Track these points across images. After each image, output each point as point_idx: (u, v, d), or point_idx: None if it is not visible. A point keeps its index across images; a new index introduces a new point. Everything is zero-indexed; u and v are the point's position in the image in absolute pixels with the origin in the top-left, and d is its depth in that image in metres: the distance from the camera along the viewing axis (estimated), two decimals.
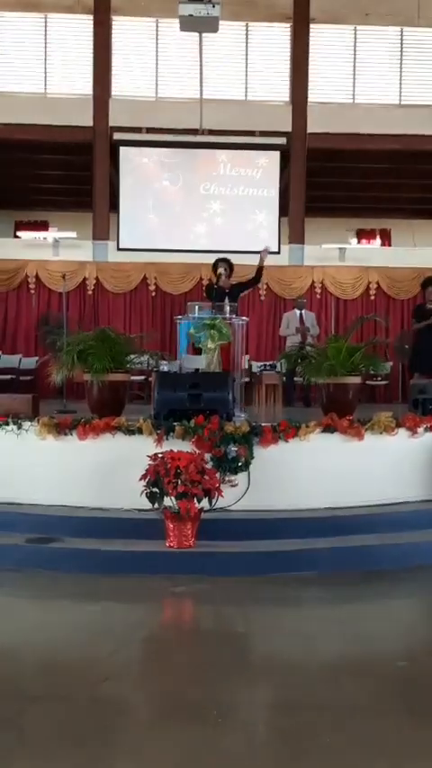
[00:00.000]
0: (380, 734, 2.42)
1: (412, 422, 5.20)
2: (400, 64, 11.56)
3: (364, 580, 4.17)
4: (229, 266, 7.26)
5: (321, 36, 11.42)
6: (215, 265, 7.30)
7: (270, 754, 2.31)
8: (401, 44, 11.55)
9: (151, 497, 4.23)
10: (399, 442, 5.12)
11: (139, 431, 4.81)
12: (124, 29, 11.37)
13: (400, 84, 11.57)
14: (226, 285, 7.04)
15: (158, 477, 4.18)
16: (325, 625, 3.58)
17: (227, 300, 6.30)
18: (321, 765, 2.23)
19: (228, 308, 6.01)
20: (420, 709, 2.62)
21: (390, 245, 14.96)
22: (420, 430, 5.20)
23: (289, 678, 2.91)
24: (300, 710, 2.59)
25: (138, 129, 11.15)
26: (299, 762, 2.25)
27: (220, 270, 7.11)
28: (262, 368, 10.03)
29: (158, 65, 11.38)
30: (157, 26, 11.31)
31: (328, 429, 4.94)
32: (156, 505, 4.24)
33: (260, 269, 7.32)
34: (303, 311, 9.50)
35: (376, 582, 4.17)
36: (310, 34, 11.28)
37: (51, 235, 11.30)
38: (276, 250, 7.05)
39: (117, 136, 11.06)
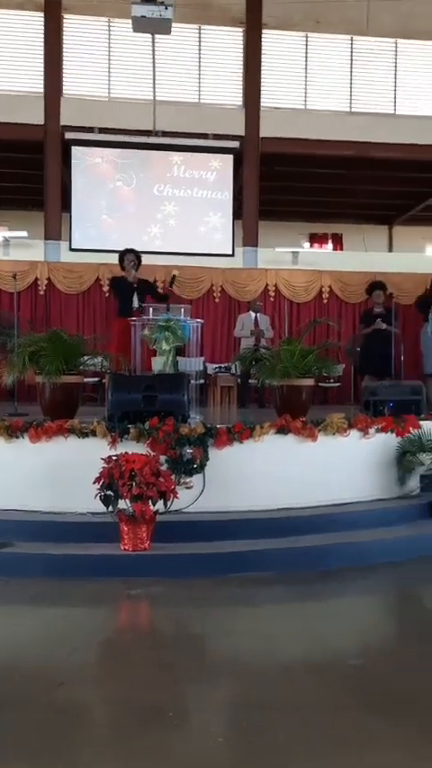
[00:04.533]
0: (336, 729, 2.46)
1: (364, 423, 5.31)
2: (351, 72, 11.79)
3: (318, 579, 4.23)
4: (137, 258, 7.20)
5: (274, 41, 11.54)
6: (121, 257, 7.22)
7: (228, 754, 2.32)
8: (351, 52, 11.78)
9: (105, 500, 4.19)
10: (351, 442, 5.21)
11: (93, 433, 4.76)
12: (76, 27, 11.24)
13: (351, 91, 11.79)
14: (134, 279, 7.00)
15: (113, 480, 4.14)
16: (280, 624, 3.62)
17: (135, 297, 6.26)
18: (279, 763, 2.25)
19: (135, 305, 5.97)
20: (375, 704, 2.67)
21: (341, 249, 15.24)
22: (372, 431, 5.32)
23: (246, 678, 2.93)
24: (257, 709, 2.61)
25: (90, 129, 11.03)
26: (257, 760, 2.27)
27: (127, 262, 7.04)
28: (217, 370, 10.08)
29: (111, 65, 11.30)
30: (109, 26, 11.23)
31: (282, 430, 4.99)
32: (110, 508, 4.21)
33: (168, 294, 7.22)
34: (258, 314, 9.58)
35: (330, 581, 4.23)
36: (263, 39, 11.39)
37: (1, 234, 11.07)
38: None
39: (69, 135, 10.92)
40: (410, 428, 5.46)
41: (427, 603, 4.37)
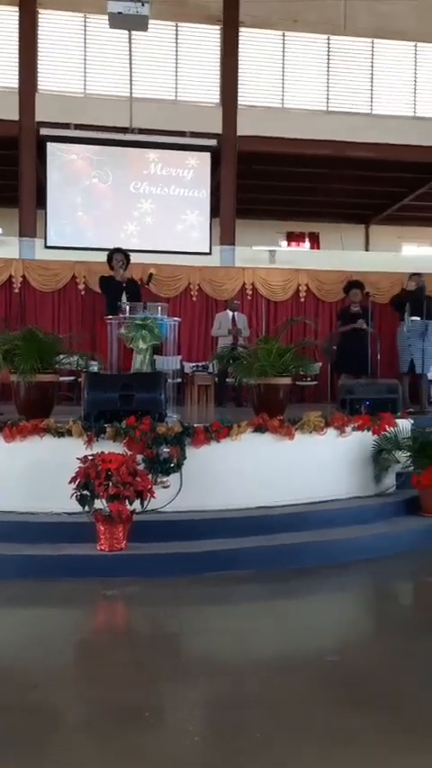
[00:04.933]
0: (313, 725, 2.48)
1: (341, 421, 5.33)
2: (327, 71, 11.84)
3: (294, 577, 4.24)
4: (126, 258, 7.16)
5: (251, 40, 11.54)
6: (110, 257, 7.17)
7: (204, 753, 2.31)
8: (328, 52, 11.83)
9: (82, 500, 4.16)
10: (328, 441, 5.24)
11: (69, 433, 4.72)
12: (51, 23, 11.12)
13: (328, 91, 11.84)
14: (123, 279, 6.96)
15: (89, 480, 4.11)
16: (257, 622, 3.62)
17: (124, 296, 6.23)
18: (256, 760, 2.25)
19: (125, 306, 5.95)
20: (351, 699, 2.69)
21: (318, 248, 15.31)
22: (348, 429, 5.35)
23: (222, 676, 2.93)
24: (233, 707, 2.61)
25: (66, 125, 10.93)
26: (233, 758, 2.26)
27: (115, 262, 7.00)
28: (194, 368, 10.06)
29: (87, 61, 11.20)
30: (85, 21, 11.13)
31: (260, 429, 5.00)
32: (86, 508, 4.17)
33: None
34: (235, 313, 9.58)
35: (306, 578, 4.25)
36: (240, 38, 11.38)
37: None
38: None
39: (44, 131, 10.80)
40: (386, 426, 5.51)
41: (402, 599, 4.42)
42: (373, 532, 4.88)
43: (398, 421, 5.65)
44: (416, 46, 11.99)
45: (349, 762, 2.26)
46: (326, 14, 11.52)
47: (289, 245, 15.40)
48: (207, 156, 11.20)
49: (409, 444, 5.39)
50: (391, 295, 10.19)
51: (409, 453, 5.41)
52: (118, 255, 7.17)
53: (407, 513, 5.34)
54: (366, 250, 15.57)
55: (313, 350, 9.91)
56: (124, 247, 8.11)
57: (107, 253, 7.43)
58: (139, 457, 4.53)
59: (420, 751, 2.32)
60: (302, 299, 11.48)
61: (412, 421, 5.94)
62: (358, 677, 2.89)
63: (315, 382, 10.64)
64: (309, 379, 10.31)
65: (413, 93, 12.05)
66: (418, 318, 7.74)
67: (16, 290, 10.64)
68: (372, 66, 11.93)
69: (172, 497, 4.62)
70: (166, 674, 2.94)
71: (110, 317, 6.33)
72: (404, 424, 5.69)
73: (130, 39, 10.75)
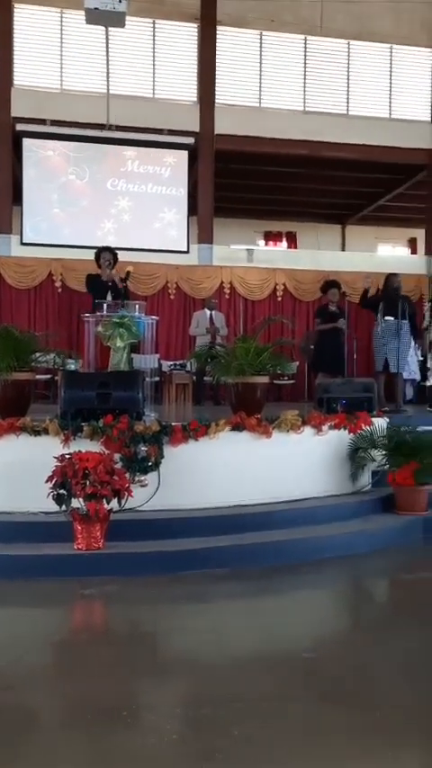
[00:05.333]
0: (290, 721, 2.49)
1: (318, 420, 5.37)
2: (304, 71, 11.90)
3: (271, 575, 4.27)
4: (113, 257, 7.14)
5: (228, 39, 11.55)
6: (97, 255, 7.15)
7: (182, 750, 2.32)
8: (305, 52, 11.89)
9: (58, 499, 4.13)
10: (305, 439, 5.27)
11: (46, 431, 4.68)
12: (27, 17, 11.00)
13: (305, 91, 11.90)
14: (109, 278, 6.93)
15: (66, 479, 4.09)
16: (234, 620, 3.64)
17: (109, 295, 6.21)
18: (233, 757, 2.26)
19: (105, 305, 5.93)
20: (328, 696, 2.71)
21: (296, 247, 15.41)
22: (325, 428, 5.39)
23: (199, 673, 2.94)
24: (211, 704, 2.62)
25: (42, 121, 10.84)
26: (211, 755, 2.27)
27: (102, 261, 6.98)
28: (172, 367, 10.05)
29: (63, 56, 11.11)
30: (61, 17, 11.03)
31: (237, 427, 5.01)
32: (63, 508, 4.15)
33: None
34: (213, 311, 9.59)
35: (283, 576, 4.27)
36: (218, 36, 11.38)
37: None
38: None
39: (20, 127, 10.70)
40: (362, 425, 5.56)
41: (377, 595, 4.47)
42: (349, 530, 4.93)
43: (374, 420, 5.71)
44: (391, 48, 12.11)
45: (325, 758, 2.28)
46: (302, 15, 11.58)
47: (266, 244, 15.47)
48: (185, 154, 11.19)
49: (385, 443, 5.45)
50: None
51: (384, 452, 5.47)
52: (105, 254, 7.12)
53: (382, 510, 5.40)
54: (343, 250, 15.70)
55: (290, 349, 9.99)
56: (101, 245, 8.07)
57: (95, 251, 7.38)
58: (117, 456, 4.51)
59: (393, 747, 2.36)
60: (280, 299, 11.53)
61: (388, 419, 6.01)
62: (334, 674, 2.92)
63: (292, 381, 10.71)
64: (286, 378, 10.37)
65: (388, 94, 12.17)
66: (392, 318, 7.83)
67: None
68: (348, 68, 12.01)
69: (150, 496, 4.61)
70: (143, 672, 2.94)
71: (87, 314, 6.30)
72: (380, 423, 5.75)
73: (107, 35, 10.68)
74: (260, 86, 11.73)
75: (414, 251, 15.82)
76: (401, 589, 4.39)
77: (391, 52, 12.13)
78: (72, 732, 2.44)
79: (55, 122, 10.84)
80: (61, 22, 11.04)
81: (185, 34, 11.44)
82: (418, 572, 4.58)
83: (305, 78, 11.87)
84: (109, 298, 6.41)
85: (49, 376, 8.78)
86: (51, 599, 3.81)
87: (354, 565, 4.59)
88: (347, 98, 12.02)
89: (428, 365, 8.86)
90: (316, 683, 2.84)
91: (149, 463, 4.62)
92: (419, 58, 12.25)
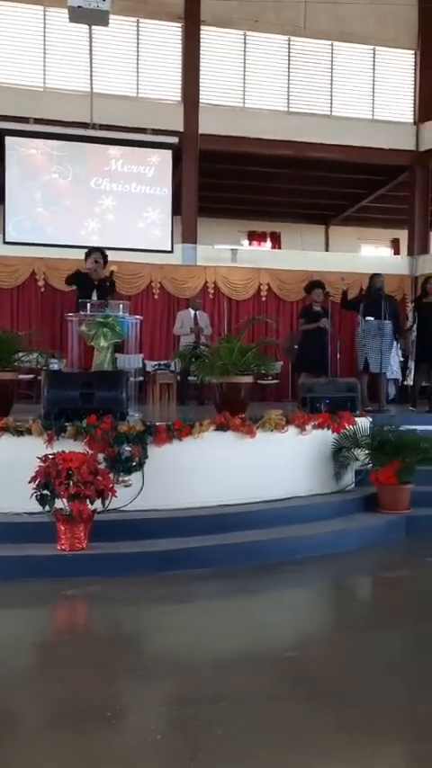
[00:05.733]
0: (273, 720, 2.51)
1: (301, 419, 5.40)
2: (288, 72, 11.93)
3: (255, 574, 4.28)
4: (103, 257, 7.11)
5: (212, 39, 11.55)
6: (87, 255, 7.12)
7: (165, 750, 2.32)
8: (289, 53, 11.92)
9: (42, 500, 4.11)
10: (289, 439, 5.29)
11: (29, 431, 4.66)
12: (10, 15, 10.91)
13: (288, 91, 11.94)
14: (95, 277, 6.90)
15: (49, 479, 4.07)
16: (217, 619, 3.65)
17: (95, 294, 6.18)
18: (217, 756, 2.27)
19: (88, 304, 5.91)
20: (310, 694, 2.73)
21: (280, 247, 15.44)
22: (309, 427, 5.41)
23: (183, 673, 2.94)
24: (194, 704, 2.62)
25: (25, 119, 10.76)
26: (195, 754, 2.28)
27: (90, 261, 6.95)
28: (156, 367, 10.04)
29: (47, 55, 11.04)
30: (44, 14, 10.96)
31: (222, 427, 5.02)
32: (47, 508, 4.13)
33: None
34: (197, 311, 9.59)
35: (267, 575, 4.29)
36: (202, 36, 11.38)
37: None
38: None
39: (2, 125, 10.60)
40: (346, 424, 5.60)
41: (359, 594, 4.50)
42: (332, 529, 4.96)
43: (357, 419, 5.75)
44: (374, 50, 12.19)
45: (309, 755, 2.29)
46: (286, 16, 11.62)
47: (250, 244, 15.50)
48: (168, 153, 11.17)
49: (368, 442, 5.49)
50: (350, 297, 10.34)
51: (367, 451, 5.50)
52: (95, 255, 7.08)
53: (365, 509, 5.44)
54: (326, 250, 15.75)
55: (274, 349, 10.01)
56: (85, 244, 8.02)
57: (86, 251, 7.33)
58: (101, 456, 4.50)
59: (376, 742, 2.38)
60: (264, 298, 11.56)
61: (371, 419, 6.05)
62: (316, 672, 2.94)
63: (276, 381, 10.74)
64: (270, 377, 10.39)
65: (371, 96, 12.24)
66: (373, 318, 7.88)
67: None
68: (331, 69, 12.07)
69: (134, 496, 4.61)
70: (127, 672, 2.94)
71: (71, 314, 6.27)
72: (363, 423, 5.79)
73: (90, 33, 10.63)
74: (244, 86, 11.75)
75: (397, 251, 15.94)
76: (384, 587, 4.43)
77: (374, 54, 12.21)
78: (55, 733, 2.43)
79: (38, 121, 10.77)
80: (44, 19, 10.97)
81: (169, 33, 11.42)
82: (400, 570, 4.63)
83: (289, 79, 11.91)
84: (94, 296, 6.38)
85: (32, 376, 8.73)
86: (34, 600, 3.79)
87: (337, 563, 4.62)
88: (331, 99, 12.07)
89: (409, 365, 8.93)
90: (299, 681, 2.86)
91: (133, 463, 4.62)
92: (402, 59, 12.33)
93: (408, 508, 5.36)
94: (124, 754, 2.27)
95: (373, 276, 8.34)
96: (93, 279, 6.87)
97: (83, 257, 7.33)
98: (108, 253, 7.45)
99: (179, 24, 11.37)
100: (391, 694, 2.73)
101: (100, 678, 2.88)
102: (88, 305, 6.00)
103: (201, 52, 11.38)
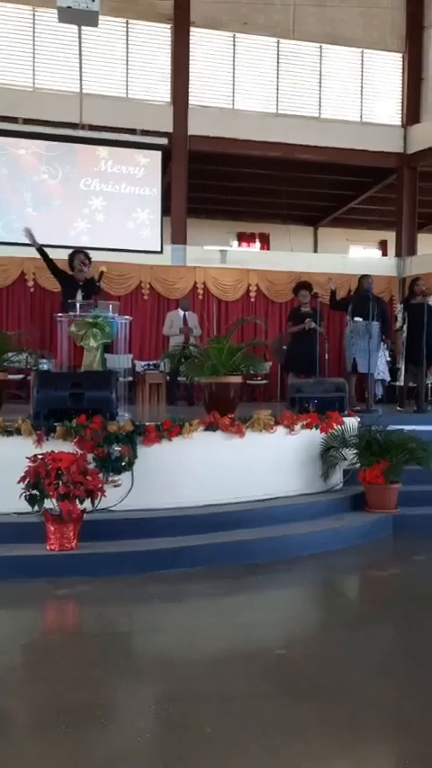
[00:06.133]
0: (262, 718, 2.52)
1: (290, 420, 5.42)
2: (277, 74, 11.98)
3: (244, 574, 4.30)
4: (87, 258, 7.11)
5: (202, 40, 11.58)
6: (71, 259, 7.12)
7: (156, 749, 2.34)
8: (278, 55, 11.98)
9: (31, 500, 4.11)
10: (277, 439, 5.32)
11: (18, 432, 4.65)
12: None
13: (277, 93, 11.99)
14: (80, 278, 6.91)
15: (39, 479, 4.07)
16: (207, 618, 3.66)
17: (79, 294, 6.19)
18: (207, 754, 2.28)
19: (78, 304, 5.92)
20: (300, 691, 2.75)
21: (269, 248, 15.49)
22: (297, 427, 5.44)
23: (173, 672, 2.95)
24: (185, 703, 2.63)
25: (14, 119, 10.74)
26: (185, 753, 2.29)
27: (77, 262, 6.95)
28: (145, 367, 10.04)
29: (36, 55, 11.02)
30: (34, 14, 10.95)
31: (211, 427, 5.04)
32: (36, 508, 4.13)
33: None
34: (187, 312, 9.60)
35: (256, 575, 4.31)
36: (191, 37, 11.40)
37: None
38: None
39: None
40: (334, 424, 5.63)
41: (348, 592, 4.54)
42: (321, 528, 4.99)
43: (345, 419, 5.79)
44: (362, 53, 12.27)
45: (298, 752, 2.31)
46: (275, 18, 11.67)
47: (240, 245, 15.54)
48: (158, 154, 11.18)
49: (356, 442, 5.53)
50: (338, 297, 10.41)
51: (355, 451, 5.54)
52: (80, 256, 7.06)
53: (353, 508, 5.48)
54: (315, 251, 15.83)
55: (263, 349, 10.04)
56: (74, 245, 8.00)
57: (69, 253, 7.30)
58: (90, 456, 4.50)
59: (365, 740, 2.40)
60: (253, 299, 11.60)
61: (359, 419, 6.09)
62: (307, 671, 2.96)
63: (265, 381, 10.78)
64: (259, 378, 10.43)
65: (360, 98, 12.32)
66: (361, 319, 7.93)
67: None
68: (320, 71, 12.14)
69: (123, 496, 4.61)
70: (117, 672, 2.95)
71: (60, 314, 6.26)
72: (351, 422, 5.83)
73: (80, 34, 10.63)
74: (233, 88, 11.79)
75: (385, 253, 16.03)
76: (372, 586, 4.46)
77: (362, 56, 12.29)
78: (46, 733, 2.43)
79: (27, 121, 10.76)
80: (34, 20, 10.96)
81: (159, 35, 11.44)
82: (388, 569, 4.66)
83: (278, 81, 11.96)
84: (79, 296, 6.38)
85: (21, 376, 8.70)
86: (24, 600, 3.79)
87: (326, 562, 4.64)
88: (319, 101, 12.14)
89: (398, 365, 8.99)
90: (289, 680, 2.88)
91: (123, 463, 4.62)
92: (389, 62, 12.43)
93: (395, 507, 5.41)
94: (115, 754, 2.28)
95: (362, 277, 8.39)
96: (78, 279, 6.87)
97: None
98: (98, 253, 7.45)
99: (168, 25, 11.39)
100: (379, 692, 2.76)
101: (90, 678, 2.88)
102: (77, 305, 6.00)
103: (190, 53, 11.41)
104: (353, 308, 8.06)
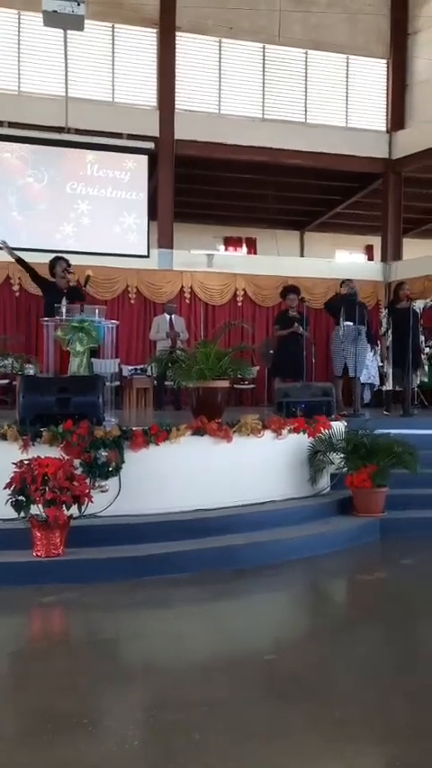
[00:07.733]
0: (251, 722, 2.51)
1: (277, 424, 5.43)
2: (263, 79, 12.03)
3: (232, 578, 4.29)
4: (69, 266, 7.08)
5: (188, 45, 11.60)
6: (52, 266, 7.09)
7: (143, 756, 2.32)
8: (263, 60, 12.02)
9: (17, 506, 4.08)
10: (265, 443, 5.32)
11: (4, 437, 4.62)
12: None
13: (263, 98, 12.03)
14: (62, 285, 6.88)
15: (25, 485, 4.04)
16: (194, 624, 3.65)
17: (64, 300, 6.18)
18: (195, 760, 2.27)
19: (63, 309, 5.90)
20: (288, 695, 2.74)
21: (255, 253, 15.52)
22: (285, 432, 5.45)
23: (160, 678, 2.94)
24: (172, 709, 2.62)
25: None
26: (173, 759, 2.28)
27: (60, 269, 6.93)
28: (132, 372, 10.01)
29: (21, 58, 10.98)
30: (19, 18, 10.91)
31: (198, 432, 5.03)
32: (22, 514, 4.09)
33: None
34: (173, 316, 9.59)
35: (244, 579, 4.30)
36: (177, 42, 11.42)
37: None
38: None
39: None
40: (321, 428, 5.64)
41: (335, 595, 4.54)
42: (308, 533, 4.99)
43: (332, 423, 5.80)
44: (347, 58, 12.35)
45: (286, 756, 2.31)
46: (260, 24, 11.72)
47: (226, 249, 15.56)
48: (144, 158, 11.18)
49: (343, 446, 5.54)
50: (324, 300, 10.47)
51: (342, 455, 5.56)
52: (62, 263, 7.01)
53: (340, 512, 5.49)
54: (301, 256, 15.88)
55: (251, 354, 10.06)
56: (60, 249, 7.96)
57: (49, 262, 7.25)
58: (77, 461, 4.48)
59: (352, 741, 2.40)
60: (240, 304, 11.61)
61: (346, 423, 6.11)
62: (295, 675, 2.95)
63: (252, 386, 10.79)
64: (246, 382, 10.44)
65: (345, 104, 12.40)
66: (351, 323, 7.96)
67: None
68: (305, 76, 12.20)
69: (110, 502, 4.59)
70: (104, 679, 2.93)
71: (46, 319, 6.23)
72: (338, 427, 5.85)
73: (65, 38, 10.61)
74: (219, 93, 11.82)
75: (371, 257, 16.12)
76: (360, 590, 4.47)
77: (347, 62, 12.38)
78: (33, 741, 2.41)
79: (13, 125, 10.71)
80: (19, 23, 10.92)
81: (145, 39, 11.45)
82: (376, 572, 4.67)
83: (264, 86, 12.01)
84: (63, 302, 6.37)
85: (7, 381, 8.65)
86: (9, 607, 3.75)
87: (314, 567, 4.65)
88: (305, 106, 12.20)
89: (385, 370, 9.03)
90: (277, 684, 2.87)
91: (110, 468, 4.60)
92: (375, 68, 12.52)
93: (382, 511, 5.42)
94: (102, 761, 2.26)
95: (345, 281, 8.42)
96: (61, 287, 6.83)
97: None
98: (84, 257, 7.42)
99: (154, 30, 11.40)
100: (367, 695, 2.76)
101: (77, 685, 2.86)
102: (63, 310, 5.96)
103: (176, 58, 11.43)
104: (344, 312, 8.08)
